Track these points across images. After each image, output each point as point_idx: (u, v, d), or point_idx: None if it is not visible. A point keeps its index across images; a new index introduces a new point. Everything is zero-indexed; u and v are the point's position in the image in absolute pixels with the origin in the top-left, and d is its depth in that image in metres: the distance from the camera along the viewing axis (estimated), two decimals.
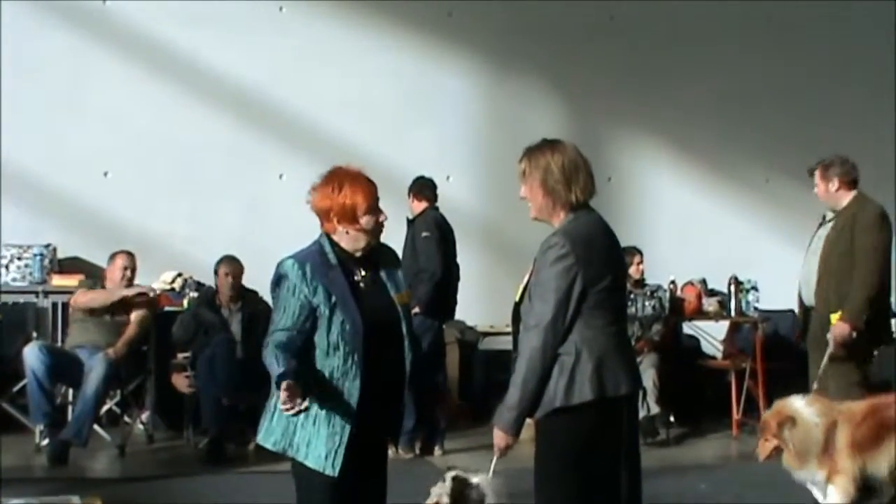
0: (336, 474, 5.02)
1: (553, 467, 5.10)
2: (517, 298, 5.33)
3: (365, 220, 5.20)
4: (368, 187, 5.29)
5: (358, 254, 5.25)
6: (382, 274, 5.32)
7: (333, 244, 5.24)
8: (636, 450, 5.28)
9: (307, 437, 5.06)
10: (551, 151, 5.27)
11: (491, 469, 5.23)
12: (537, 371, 5.01)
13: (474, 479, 5.18)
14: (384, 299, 5.26)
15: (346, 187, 5.25)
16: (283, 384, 4.93)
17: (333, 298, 5.09)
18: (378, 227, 5.26)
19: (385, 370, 5.16)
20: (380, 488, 5.36)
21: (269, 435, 5.18)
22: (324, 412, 5.09)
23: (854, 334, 8.78)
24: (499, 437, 5.15)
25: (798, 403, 8.32)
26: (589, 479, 5.08)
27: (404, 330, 5.29)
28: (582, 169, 5.29)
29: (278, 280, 5.22)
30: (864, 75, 14.27)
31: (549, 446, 5.11)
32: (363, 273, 5.24)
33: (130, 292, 10.63)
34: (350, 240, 5.22)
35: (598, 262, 5.18)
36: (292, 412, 4.92)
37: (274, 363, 5.05)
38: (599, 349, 5.08)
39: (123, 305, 10.64)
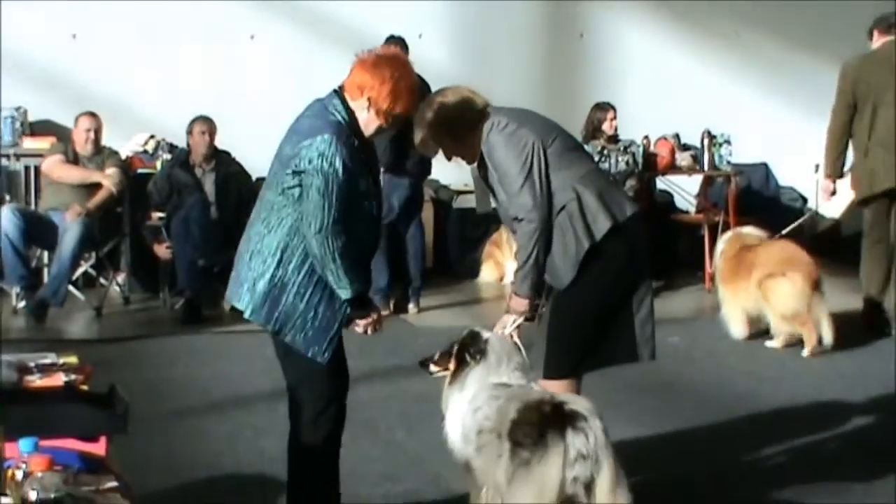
0: (326, 362, 4.97)
1: (577, 306, 5.28)
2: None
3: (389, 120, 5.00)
4: (414, 105, 5.11)
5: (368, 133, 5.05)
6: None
7: (350, 114, 4.95)
8: (647, 267, 5.45)
9: (304, 323, 4.92)
10: (429, 107, 5.40)
11: (510, 327, 5.29)
12: (540, 241, 5.16)
13: (485, 334, 5.19)
14: (376, 186, 5.13)
15: (403, 92, 4.96)
16: (374, 314, 5.02)
17: (353, 186, 4.90)
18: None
19: (366, 254, 5.12)
20: None
21: (259, 311, 4.94)
22: (324, 300, 4.94)
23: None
24: (518, 303, 5.27)
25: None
26: (610, 307, 5.34)
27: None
28: (464, 94, 5.42)
29: (322, 160, 4.78)
30: None
31: (576, 290, 5.24)
32: (363, 156, 5.09)
33: (105, 181, 10.55)
34: (367, 121, 4.97)
35: (536, 121, 5.38)
36: (374, 333, 5.05)
37: (347, 273, 4.85)
38: (594, 184, 5.28)
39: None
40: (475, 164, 5.49)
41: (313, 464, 5.10)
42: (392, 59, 5.07)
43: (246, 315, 4.95)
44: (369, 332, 5.06)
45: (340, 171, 4.77)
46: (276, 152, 5.03)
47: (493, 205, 5.57)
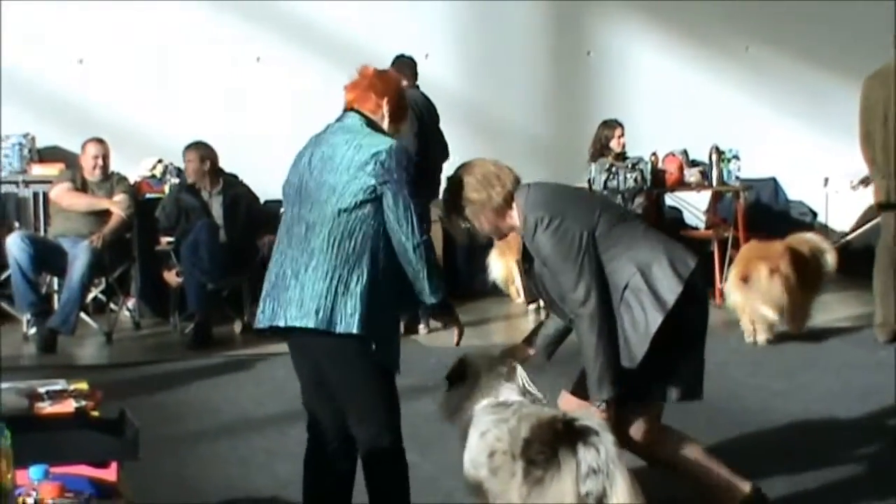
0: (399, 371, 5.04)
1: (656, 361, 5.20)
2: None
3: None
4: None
5: None
6: None
7: (376, 127, 5.08)
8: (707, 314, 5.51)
9: (388, 335, 4.98)
10: (458, 187, 5.34)
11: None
12: (603, 339, 5.09)
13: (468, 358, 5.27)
14: None
15: (404, 98, 5.26)
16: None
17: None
18: None
19: None
20: None
21: (364, 324, 4.82)
22: (394, 309, 5.06)
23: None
24: (601, 414, 5.12)
25: None
26: (685, 353, 5.35)
27: None
28: (489, 173, 5.33)
29: (400, 168, 4.87)
30: None
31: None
32: None
33: (114, 208, 10.57)
34: (385, 131, 5.12)
35: (577, 204, 5.31)
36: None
37: (435, 279, 4.96)
38: (652, 249, 5.25)
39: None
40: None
41: (398, 471, 5.04)
42: (381, 71, 5.29)
43: (354, 331, 4.79)
44: (461, 339, 5.15)
45: (412, 174, 4.90)
46: (309, 170, 4.98)
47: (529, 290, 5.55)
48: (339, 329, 4.80)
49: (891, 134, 9.62)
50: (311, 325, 4.82)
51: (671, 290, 5.15)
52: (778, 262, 9.89)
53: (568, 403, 5.25)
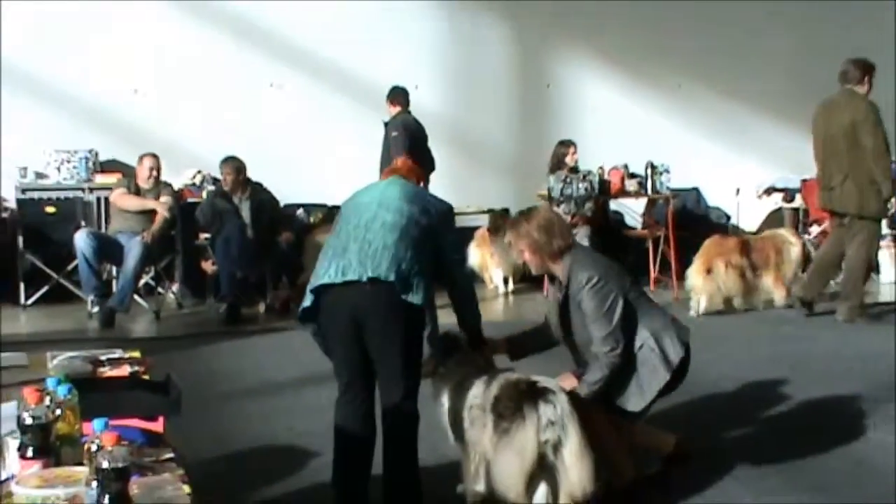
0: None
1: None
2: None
3: None
4: None
5: None
6: None
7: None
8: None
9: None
10: (526, 220, 5.31)
11: None
12: (608, 375, 5.13)
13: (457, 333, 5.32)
14: None
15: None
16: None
17: None
18: None
19: None
20: None
21: (425, 299, 4.92)
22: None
23: None
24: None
25: None
26: None
27: None
28: (555, 223, 5.32)
29: (454, 224, 5.34)
30: None
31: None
32: None
33: (159, 208, 10.56)
34: None
35: (615, 273, 5.30)
36: None
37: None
38: (662, 320, 5.32)
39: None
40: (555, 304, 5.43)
41: (413, 430, 5.00)
42: (410, 165, 5.64)
43: (418, 303, 4.80)
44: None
45: None
46: (385, 194, 5.09)
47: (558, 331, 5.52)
48: (410, 299, 4.79)
49: (829, 157, 9.60)
50: (391, 278, 4.77)
51: (677, 353, 5.23)
52: (730, 257, 10.25)
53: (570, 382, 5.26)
